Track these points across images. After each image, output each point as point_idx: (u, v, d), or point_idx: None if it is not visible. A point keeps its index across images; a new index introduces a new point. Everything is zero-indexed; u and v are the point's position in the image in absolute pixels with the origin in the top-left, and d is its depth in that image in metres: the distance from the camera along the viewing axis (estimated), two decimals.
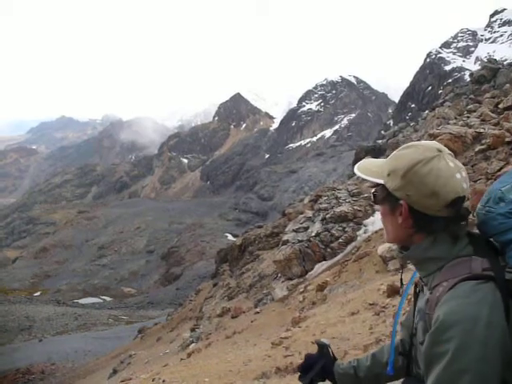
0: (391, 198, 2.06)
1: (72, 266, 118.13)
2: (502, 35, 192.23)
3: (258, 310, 20.40)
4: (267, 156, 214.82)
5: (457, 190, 1.93)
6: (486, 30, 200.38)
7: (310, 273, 19.46)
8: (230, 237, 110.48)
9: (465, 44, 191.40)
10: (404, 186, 2.00)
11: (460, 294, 1.77)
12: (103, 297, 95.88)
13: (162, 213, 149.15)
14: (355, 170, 2.22)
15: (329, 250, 19.85)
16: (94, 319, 69.59)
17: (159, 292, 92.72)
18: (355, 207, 21.68)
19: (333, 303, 13.38)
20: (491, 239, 1.96)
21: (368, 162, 2.26)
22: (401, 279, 2.60)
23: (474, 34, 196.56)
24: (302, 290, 17.49)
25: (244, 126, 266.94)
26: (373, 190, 2.19)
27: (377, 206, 2.24)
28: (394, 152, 2.12)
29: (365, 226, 20.57)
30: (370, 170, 2.19)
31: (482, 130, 20.25)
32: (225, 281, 34.17)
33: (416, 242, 2.04)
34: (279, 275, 21.77)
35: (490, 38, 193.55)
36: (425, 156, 1.99)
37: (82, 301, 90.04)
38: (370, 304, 10.71)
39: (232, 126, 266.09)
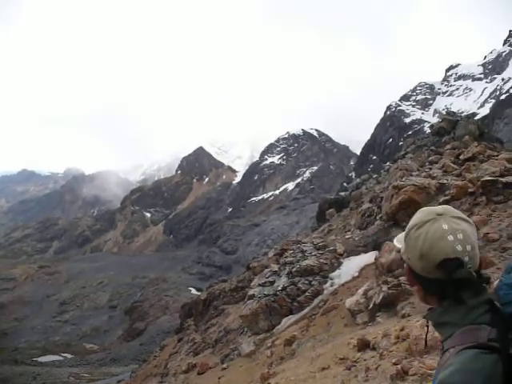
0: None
1: (32, 323, 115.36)
2: (457, 88, 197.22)
3: (224, 365, 20.13)
4: (230, 210, 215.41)
5: (446, 252, 1.95)
6: (442, 83, 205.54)
7: (277, 327, 19.27)
8: (193, 291, 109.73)
9: (423, 97, 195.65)
10: (405, 249, 2.12)
11: (461, 361, 1.75)
12: (64, 354, 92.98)
13: (124, 267, 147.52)
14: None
15: (296, 303, 19.71)
16: (53, 378, 67.98)
17: (122, 348, 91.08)
18: (321, 260, 21.64)
19: (302, 358, 13.21)
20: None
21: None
22: (425, 339, 2.93)
23: (431, 87, 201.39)
24: (269, 344, 17.30)
25: (207, 179, 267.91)
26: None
27: None
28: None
29: (331, 279, 20.50)
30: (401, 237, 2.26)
31: (445, 181, 20.50)
32: (190, 336, 33.75)
33: (433, 305, 2.09)
34: (246, 330, 21.55)
35: (446, 92, 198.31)
36: (420, 220, 2.07)
37: (42, 359, 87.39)
38: (341, 358, 10.58)
39: (195, 180, 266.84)
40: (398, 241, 2.25)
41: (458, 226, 2.00)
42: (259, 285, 22.21)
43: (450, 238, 1.95)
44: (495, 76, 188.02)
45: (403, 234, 2.20)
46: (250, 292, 22.31)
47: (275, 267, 23.41)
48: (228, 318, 28.62)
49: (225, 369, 19.61)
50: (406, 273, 2.18)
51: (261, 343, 18.71)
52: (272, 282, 21.78)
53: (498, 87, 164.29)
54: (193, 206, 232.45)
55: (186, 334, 36.61)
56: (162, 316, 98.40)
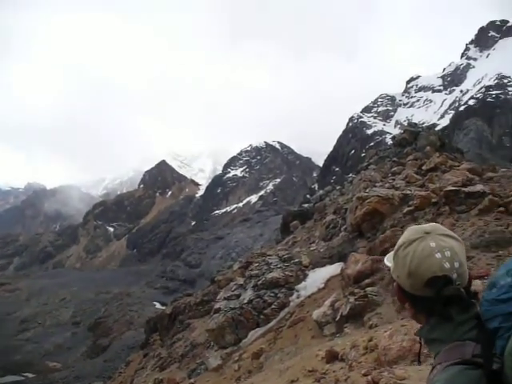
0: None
1: None
2: (418, 100, 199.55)
3: (192, 380, 19.96)
4: (193, 223, 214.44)
5: (433, 270, 1.94)
6: (403, 95, 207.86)
7: (244, 340, 19.18)
8: (158, 305, 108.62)
9: (384, 108, 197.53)
10: (394, 268, 2.12)
11: (445, 377, 1.77)
12: (25, 373, 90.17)
13: (87, 283, 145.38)
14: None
15: (262, 316, 19.66)
16: None
17: (86, 365, 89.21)
18: (286, 273, 21.61)
19: (270, 371, 13.16)
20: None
21: None
22: (419, 354, 2.72)
23: (392, 98, 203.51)
24: (236, 358, 17.22)
25: (169, 193, 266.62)
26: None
27: None
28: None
29: (297, 291, 20.49)
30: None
31: (408, 192, 20.65)
32: (156, 351, 33.44)
33: (423, 322, 2.08)
34: (212, 344, 21.43)
35: (407, 103, 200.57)
36: (408, 239, 2.07)
37: (2, 380, 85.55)
38: (310, 371, 10.56)
39: (157, 194, 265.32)
40: (388, 260, 2.23)
41: (446, 243, 1.99)
42: (225, 298, 22.12)
43: (438, 255, 1.94)
44: (454, 88, 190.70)
45: (392, 252, 2.20)
46: (216, 306, 22.21)
47: (240, 280, 23.34)
48: (194, 332, 28.42)
49: None
50: (396, 291, 2.17)
51: (228, 357, 18.61)
52: (238, 296, 21.70)
53: (457, 99, 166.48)
54: (156, 219, 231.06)
55: (151, 349, 36.28)
56: (127, 331, 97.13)
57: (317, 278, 20.47)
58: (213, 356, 20.11)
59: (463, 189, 17.04)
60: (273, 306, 19.98)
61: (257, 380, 13.02)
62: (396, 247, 2.12)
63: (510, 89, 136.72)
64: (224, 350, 19.72)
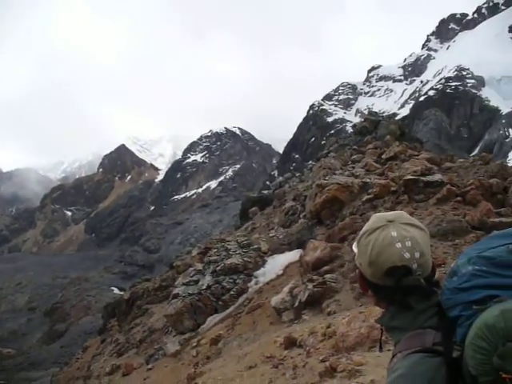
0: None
1: None
2: (379, 89, 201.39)
3: (150, 366, 19.87)
4: (152, 208, 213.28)
5: (393, 260, 1.92)
6: (364, 84, 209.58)
7: (202, 326, 19.16)
8: (116, 290, 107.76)
9: (345, 97, 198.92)
10: (357, 255, 2.09)
11: (406, 365, 1.77)
12: None
13: (44, 267, 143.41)
14: None
15: (220, 302, 19.65)
16: None
17: (42, 351, 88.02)
18: (245, 259, 21.62)
19: (228, 357, 13.16)
20: None
21: None
22: (380, 341, 2.61)
23: (353, 87, 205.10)
24: (194, 344, 17.18)
25: (129, 177, 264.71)
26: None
27: None
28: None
29: (256, 277, 20.51)
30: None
31: (367, 180, 20.79)
32: (113, 336, 33.22)
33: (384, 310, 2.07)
34: (170, 329, 21.37)
35: (368, 92, 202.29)
36: (370, 227, 2.04)
37: None
38: (268, 357, 10.57)
39: (117, 178, 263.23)
40: (354, 246, 2.17)
41: (408, 232, 1.96)
42: (183, 284, 22.08)
43: (398, 245, 1.92)
44: (414, 78, 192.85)
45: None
46: (175, 291, 22.16)
47: (199, 266, 23.30)
48: (152, 317, 28.31)
49: (150, 369, 19.36)
50: (358, 278, 2.15)
51: (186, 343, 18.57)
52: (196, 281, 21.66)
53: (418, 89, 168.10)
54: (115, 204, 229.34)
55: (109, 334, 36.00)
56: (84, 317, 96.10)
57: (275, 264, 20.50)
58: (171, 342, 20.05)
59: (422, 178, 17.19)
60: (231, 292, 19.99)
61: (215, 366, 13.00)
62: (359, 234, 2.09)
63: (468, 81, 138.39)
64: (182, 336, 19.68)
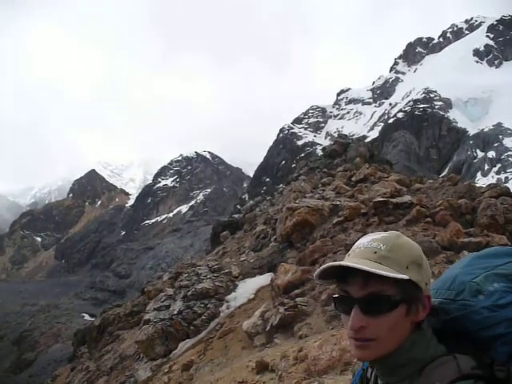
0: (412, 294, 1.74)
1: None
2: (348, 112, 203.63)
3: None
4: (123, 233, 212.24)
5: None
6: (334, 107, 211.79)
7: (173, 352, 18.98)
8: (87, 317, 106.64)
9: (315, 120, 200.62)
10: (423, 275, 1.77)
11: None
12: None
13: (13, 295, 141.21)
14: (357, 266, 1.70)
15: (192, 327, 19.51)
16: None
17: (9, 381, 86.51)
18: (216, 283, 21.54)
19: (200, 383, 13.06)
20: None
21: (359, 256, 1.80)
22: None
23: (323, 110, 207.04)
24: (166, 370, 17.00)
25: (99, 202, 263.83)
26: (385, 292, 1.72)
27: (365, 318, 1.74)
28: (389, 243, 1.79)
29: (227, 301, 20.43)
30: (377, 265, 1.73)
31: (338, 203, 20.86)
32: (84, 364, 32.79)
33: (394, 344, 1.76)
34: (142, 356, 21.17)
35: (338, 115, 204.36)
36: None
37: None
38: (240, 382, 10.50)
39: (87, 203, 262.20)
40: (378, 266, 1.74)
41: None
42: (154, 309, 21.91)
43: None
44: (383, 101, 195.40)
45: (376, 257, 1.78)
46: (146, 317, 21.98)
47: (170, 291, 23.16)
48: (123, 343, 28.03)
49: None
50: (427, 303, 1.79)
51: (158, 369, 18.40)
52: (167, 306, 21.52)
53: (386, 111, 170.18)
54: (85, 229, 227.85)
55: (79, 362, 35.53)
56: (54, 344, 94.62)
57: (247, 288, 20.45)
58: (142, 368, 19.86)
59: (392, 200, 17.30)
60: (203, 317, 19.88)
61: None
62: (419, 250, 1.82)
63: (436, 103, 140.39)
64: (154, 362, 19.50)
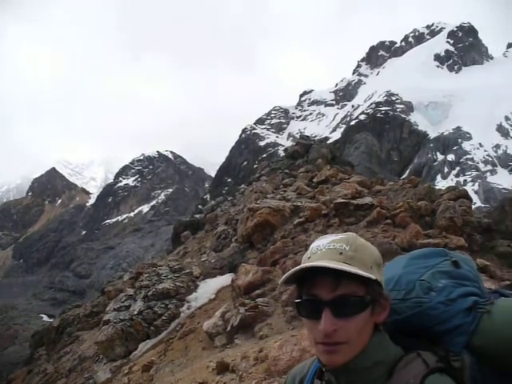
0: (378, 294, 1.73)
1: None
2: (311, 113, 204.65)
3: None
4: (84, 232, 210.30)
5: None
6: (296, 108, 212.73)
7: (134, 353, 18.84)
8: (45, 318, 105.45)
9: (278, 121, 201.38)
10: (382, 275, 1.78)
11: None
12: None
13: None
14: (329, 265, 1.65)
15: (152, 328, 19.40)
16: None
17: None
18: (177, 283, 21.45)
19: None
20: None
21: (324, 258, 1.73)
22: None
23: (286, 111, 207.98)
24: (126, 371, 16.88)
25: (59, 201, 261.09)
26: (357, 293, 1.69)
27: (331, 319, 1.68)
28: (352, 244, 1.75)
29: (188, 302, 20.35)
30: (346, 266, 1.68)
31: (299, 204, 20.91)
32: (41, 366, 32.32)
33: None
34: (101, 357, 20.99)
35: (300, 116, 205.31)
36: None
37: None
38: (200, 383, 10.46)
39: (47, 202, 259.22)
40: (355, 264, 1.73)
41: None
42: (114, 309, 21.75)
43: None
44: (346, 103, 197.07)
45: (342, 258, 1.74)
46: (106, 317, 21.79)
47: (131, 291, 23.01)
48: (83, 345, 27.73)
49: None
50: (387, 304, 1.81)
51: (117, 370, 18.25)
52: (128, 307, 21.38)
53: (349, 113, 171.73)
54: (45, 228, 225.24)
55: (36, 364, 34.99)
56: (11, 346, 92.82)
57: (208, 288, 20.41)
58: (102, 370, 19.69)
59: (352, 201, 17.40)
60: (163, 318, 19.78)
61: None
62: (377, 252, 1.83)
63: (398, 106, 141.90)
64: (113, 363, 19.35)
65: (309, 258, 1.77)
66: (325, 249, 1.75)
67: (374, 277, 1.66)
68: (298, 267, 1.71)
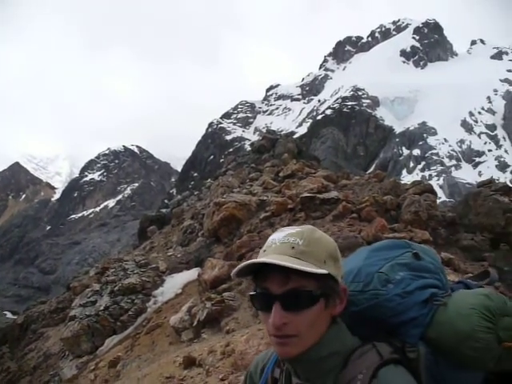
0: (331, 288, 1.74)
1: None
2: (277, 108, 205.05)
3: None
4: (49, 228, 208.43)
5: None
6: (263, 102, 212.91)
7: (100, 348, 18.70)
8: (9, 315, 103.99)
9: (244, 115, 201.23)
10: (338, 269, 1.77)
11: (389, 380, 1.61)
12: None
13: None
14: (281, 263, 1.62)
15: (119, 323, 19.28)
16: None
17: None
18: (143, 278, 21.37)
19: (127, 379, 12.91)
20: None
21: (276, 252, 1.72)
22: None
23: (252, 106, 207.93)
24: (92, 367, 16.75)
25: (23, 196, 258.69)
26: (306, 287, 1.68)
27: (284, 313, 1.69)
28: (306, 237, 1.74)
29: (154, 296, 20.28)
30: (296, 260, 1.67)
31: (265, 198, 20.94)
32: (4, 365, 31.96)
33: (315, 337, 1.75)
34: (67, 353, 20.83)
35: (267, 111, 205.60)
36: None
37: None
38: (167, 377, 10.44)
39: (10, 197, 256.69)
40: (299, 262, 1.70)
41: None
42: (80, 305, 21.59)
43: None
44: (312, 97, 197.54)
45: (294, 253, 1.73)
46: (71, 313, 21.61)
47: (96, 286, 22.85)
48: (48, 341, 27.45)
49: None
50: (343, 296, 1.81)
51: (84, 366, 18.11)
52: (94, 302, 21.24)
53: (315, 108, 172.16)
54: (8, 224, 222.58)
55: None
56: None
57: (174, 283, 20.35)
58: (67, 366, 19.53)
59: (318, 195, 17.46)
60: (130, 313, 19.70)
61: None
62: (333, 244, 1.82)
63: (364, 101, 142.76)
64: (79, 359, 19.21)
65: (264, 251, 1.77)
66: (279, 243, 1.74)
67: (324, 271, 1.66)
68: (247, 262, 1.72)
